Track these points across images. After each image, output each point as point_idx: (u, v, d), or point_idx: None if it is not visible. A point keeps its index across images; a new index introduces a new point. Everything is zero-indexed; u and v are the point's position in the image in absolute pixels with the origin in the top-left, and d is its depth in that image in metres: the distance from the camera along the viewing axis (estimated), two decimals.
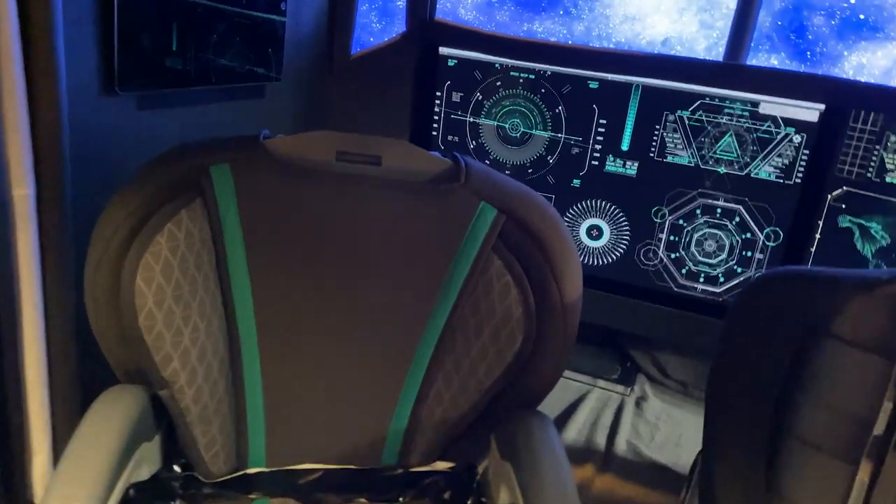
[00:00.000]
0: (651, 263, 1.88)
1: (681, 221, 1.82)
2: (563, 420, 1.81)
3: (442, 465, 1.12)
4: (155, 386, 0.95)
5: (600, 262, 1.93)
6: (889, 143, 1.57)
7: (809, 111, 1.64)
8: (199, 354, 0.96)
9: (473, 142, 1.94)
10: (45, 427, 1.23)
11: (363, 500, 1.11)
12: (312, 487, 1.10)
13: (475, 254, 1.00)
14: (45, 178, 1.11)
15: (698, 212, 1.80)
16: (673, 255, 1.86)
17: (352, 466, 1.10)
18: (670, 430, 1.82)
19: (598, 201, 1.88)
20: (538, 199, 1.02)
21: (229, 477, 1.07)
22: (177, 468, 1.05)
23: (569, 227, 1.92)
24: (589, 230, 1.92)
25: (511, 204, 1.00)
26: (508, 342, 1.01)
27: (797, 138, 1.67)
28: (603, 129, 1.82)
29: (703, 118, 1.73)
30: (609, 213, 1.88)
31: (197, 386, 0.97)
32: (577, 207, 1.90)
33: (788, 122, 1.67)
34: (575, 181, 1.89)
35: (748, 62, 1.83)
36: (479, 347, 1.02)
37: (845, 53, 2.48)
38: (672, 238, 1.84)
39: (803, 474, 0.91)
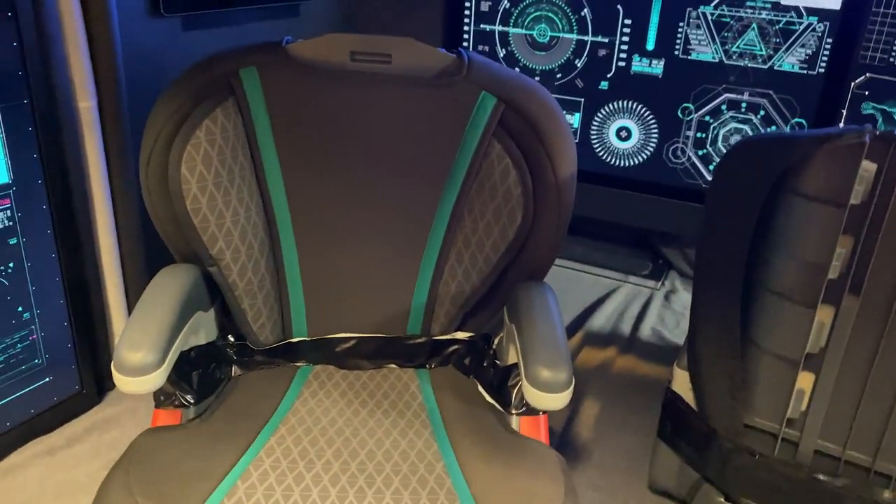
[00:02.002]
0: (679, 161, 1.94)
1: (707, 118, 1.86)
2: (590, 311, 1.92)
3: (462, 335, 1.26)
4: (205, 263, 1.11)
5: (631, 163, 1.99)
6: None
7: None
8: (241, 235, 1.12)
9: (503, 50, 2.01)
10: (121, 306, 1.43)
11: (394, 365, 1.27)
12: (348, 354, 1.25)
13: (478, 139, 1.11)
14: (104, 92, 1.28)
15: (724, 108, 1.84)
16: (700, 152, 1.91)
17: (381, 335, 1.25)
18: None
19: (626, 102, 1.94)
20: (535, 87, 1.12)
21: (276, 345, 1.24)
22: (231, 338, 1.22)
23: (598, 129, 1.99)
24: (618, 132, 1.98)
25: (510, 92, 1.10)
26: (510, 219, 1.12)
27: (820, 27, 1.67)
28: (628, 30, 1.86)
29: (726, 12, 1.75)
30: (637, 114, 1.94)
31: (241, 263, 1.13)
32: (606, 109, 1.96)
33: (811, 11, 1.67)
34: (603, 83, 1.94)
35: None
36: (484, 225, 1.14)
37: None
38: (699, 135, 1.89)
39: (773, 322, 1.00)
